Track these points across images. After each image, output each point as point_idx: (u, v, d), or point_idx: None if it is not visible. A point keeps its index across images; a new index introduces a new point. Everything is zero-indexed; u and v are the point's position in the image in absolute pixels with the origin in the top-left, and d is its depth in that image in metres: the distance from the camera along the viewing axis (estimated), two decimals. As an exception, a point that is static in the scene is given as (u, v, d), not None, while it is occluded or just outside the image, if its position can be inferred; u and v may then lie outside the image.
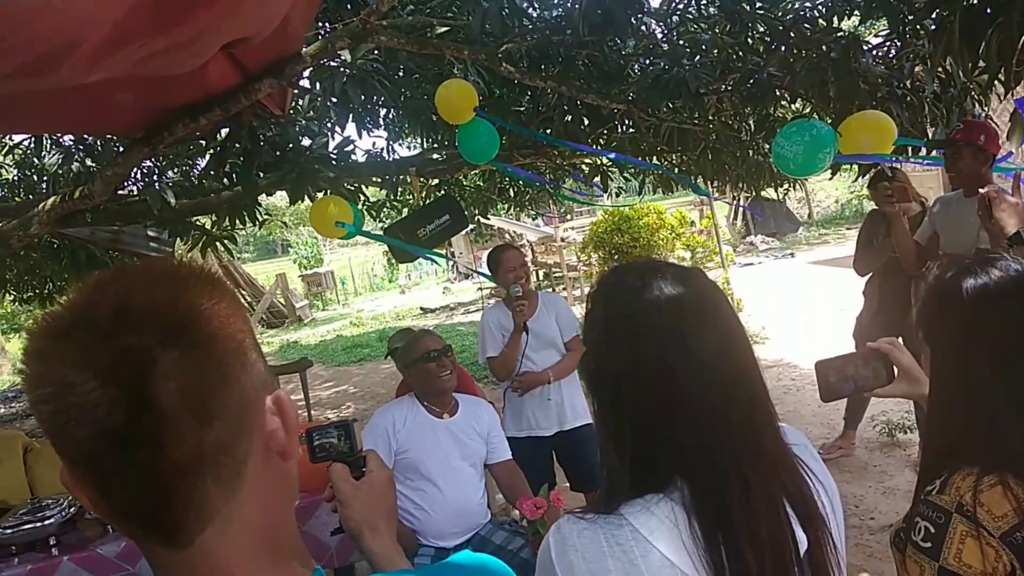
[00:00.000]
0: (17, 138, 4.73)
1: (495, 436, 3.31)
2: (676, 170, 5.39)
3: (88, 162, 4.20)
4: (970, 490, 1.12)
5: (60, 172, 4.22)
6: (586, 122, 4.45)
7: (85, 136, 4.18)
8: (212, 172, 4.16)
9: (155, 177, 4.53)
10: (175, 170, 5.00)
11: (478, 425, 3.26)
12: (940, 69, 3.41)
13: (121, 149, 3.72)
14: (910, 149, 3.72)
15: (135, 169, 4.41)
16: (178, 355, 0.61)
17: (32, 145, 4.59)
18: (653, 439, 0.95)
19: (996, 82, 2.55)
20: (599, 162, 5.84)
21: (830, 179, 3.54)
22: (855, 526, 4.06)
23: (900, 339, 1.48)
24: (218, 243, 4.96)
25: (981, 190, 2.61)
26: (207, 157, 4.47)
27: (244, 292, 19.23)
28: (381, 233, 4.93)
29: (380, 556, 1.04)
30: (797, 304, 10.88)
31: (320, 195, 4.42)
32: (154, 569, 0.68)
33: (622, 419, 0.98)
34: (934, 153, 3.72)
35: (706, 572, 0.88)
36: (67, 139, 4.37)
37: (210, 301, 0.66)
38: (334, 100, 3.94)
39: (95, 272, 0.68)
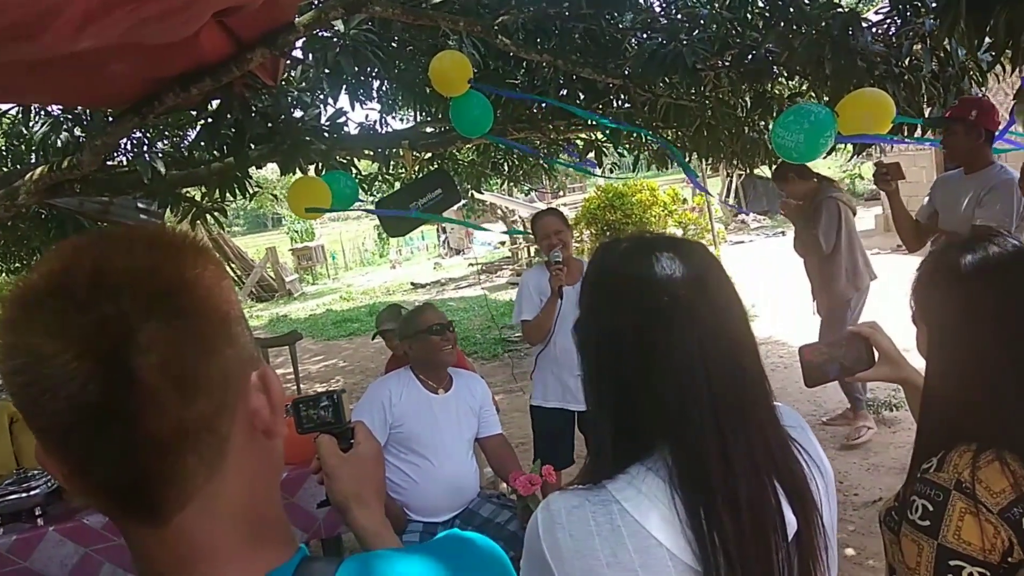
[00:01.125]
0: (4, 107, 4.65)
1: (487, 410, 3.32)
2: (673, 146, 5.35)
3: (77, 132, 4.13)
4: (968, 467, 1.13)
5: (48, 142, 4.15)
6: (582, 96, 4.41)
7: (75, 107, 4.12)
8: (203, 143, 4.09)
9: (145, 147, 4.46)
10: (165, 141, 4.93)
11: (472, 400, 3.27)
12: (939, 48, 3.39)
13: (110, 119, 3.67)
14: (906, 128, 3.71)
15: (124, 139, 4.35)
16: (159, 325, 0.58)
17: (20, 115, 4.51)
18: (634, 399, 0.94)
19: (1000, 62, 2.53)
20: (593, 137, 5.81)
21: (824, 158, 3.53)
22: (839, 502, 4.09)
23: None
24: (208, 215, 4.91)
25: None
26: (197, 128, 4.41)
27: (234, 265, 19.15)
28: (374, 207, 4.89)
29: (367, 530, 1.03)
30: (787, 282, 10.88)
31: (311, 168, 4.37)
32: (131, 547, 0.65)
33: (605, 378, 0.98)
34: (930, 133, 3.72)
35: (690, 546, 0.88)
36: (55, 109, 4.30)
37: (194, 270, 0.62)
38: (327, 71, 3.89)
39: (72, 237, 0.64)
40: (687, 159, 5.87)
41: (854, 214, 4.84)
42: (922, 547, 1.14)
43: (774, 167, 5.08)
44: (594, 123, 4.83)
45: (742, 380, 0.95)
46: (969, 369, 1.20)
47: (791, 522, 0.93)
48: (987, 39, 2.42)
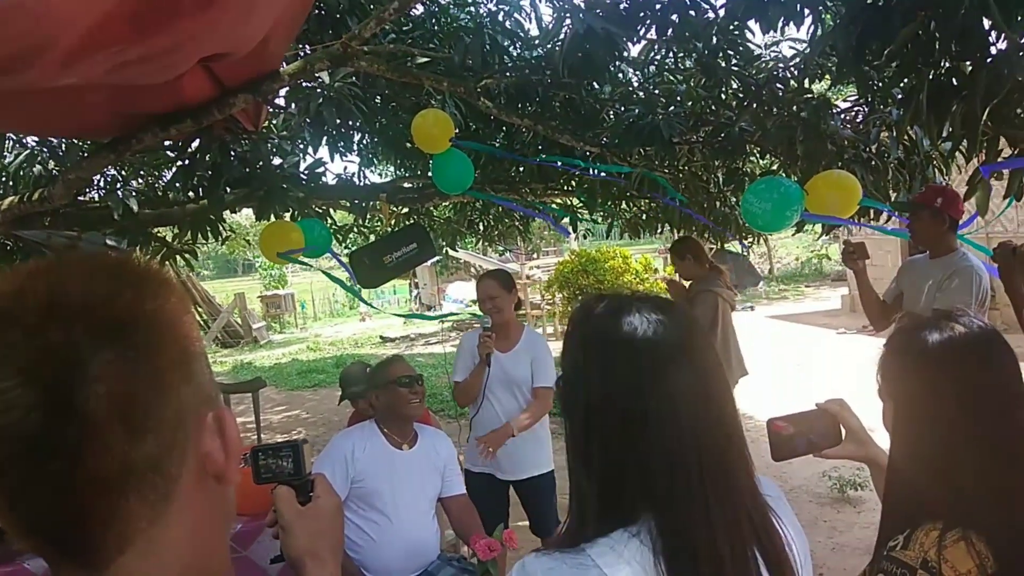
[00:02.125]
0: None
1: (451, 469, 3.26)
2: (644, 216, 5.45)
3: (51, 164, 4.10)
4: (934, 546, 1.12)
5: (21, 173, 4.11)
6: (559, 163, 4.49)
7: (50, 138, 4.10)
8: (179, 184, 4.08)
9: (119, 184, 4.44)
10: (140, 179, 4.92)
11: (436, 458, 3.21)
12: (905, 137, 3.51)
13: (86, 154, 3.65)
14: (872, 212, 3.82)
15: (98, 175, 4.33)
16: (111, 357, 0.55)
17: (-7, 144, 4.48)
18: (621, 466, 0.93)
19: (958, 151, 2.63)
20: (569, 203, 5.89)
21: (793, 235, 3.60)
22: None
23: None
24: (178, 256, 4.87)
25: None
26: (174, 168, 4.40)
27: (200, 309, 18.89)
28: (348, 258, 4.88)
29: None
30: (755, 357, 10.96)
31: (287, 215, 4.37)
32: None
33: (592, 443, 0.95)
34: (896, 221, 3.82)
35: None
36: (31, 140, 4.28)
37: (155, 301, 0.60)
38: (309, 121, 3.92)
39: (31, 260, 0.61)
40: (659, 230, 5.98)
41: (732, 309, 4.95)
42: None
43: (676, 240, 5.15)
44: (569, 189, 4.91)
45: (728, 449, 0.95)
46: (931, 448, 1.21)
47: None
48: (946, 131, 2.52)
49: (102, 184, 4.62)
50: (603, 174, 4.45)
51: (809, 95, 3.35)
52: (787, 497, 3.98)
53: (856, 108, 3.74)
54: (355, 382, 4.04)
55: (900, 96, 2.94)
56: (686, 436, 0.91)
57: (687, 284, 4.98)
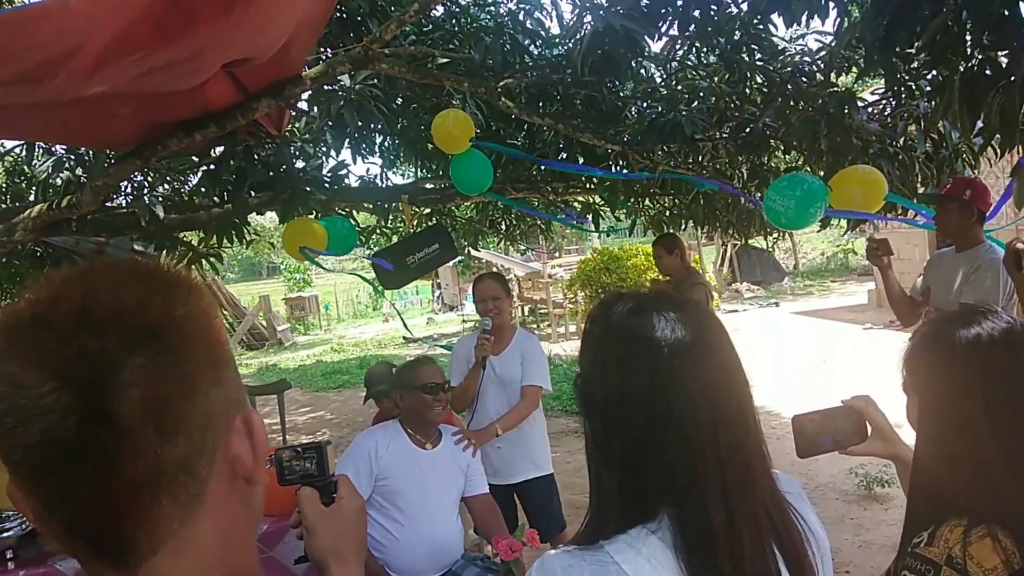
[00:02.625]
0: (8, 144, 4.69)
1: (474, 469, 3.26)
2: (668, 213, 5.43)
3: (78, 172, 4.16)
4: (959, 542, 1.11)
5: (50, 180, 4.18)
6: (581, 161, 4.48)
7: (78, 147, 4.16)
8: (203, 188, 4.13)
9: (145, 190, 4.49)
10: (166, 185, 4.97)
11: (460, 458, 3.21)
12: (932, 130, 3.46)
13: (112, 161, 3.70)
14: (899, 208, 3.76)
15: (125, 181, 4.38)
16: (143, 362, 0.56)
17: (23, 152, 4.55)
18: (641, 462, 0.93)
19: (991, 145, 2.58)
20: (591, 200, 5.87)
21: (818, 231, 3.59)
22: (831, 579, 4.02)
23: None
24: (203, 260, 4.91)
25: (1016, 243, 2.65)
26: (199, 173, 4.45)
27: (226, 312, 19.07)
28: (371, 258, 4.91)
29: None
30: (780, 353, 10.91)
31: (311, 218, 4.40)
32: None
33: (611, 439, 0.96)
34: (921, 218, 3.77)
35: None
36: (59, 148, 4.34)
37: (184, 307, 0.61)
38: (331, 124, 3.95)
39: (63, 267, 0.63)
40: (683, 227, 5.95)
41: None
42: None
43: (665, 235, 5.22)
44: (592, 187, 4.90)
45: (746, 443, 0.94)
46: (958, 443, 1.19)
47: None
48: (979, 123, 2.47)
49: (129, 190, 4.67)
50: (624, 171, 4.44)
51: (834, 88, 3.31)
52: (813, 495, 3.96)
53: (883, 101, 3.69)
54: (380, 381, 4.06)
55: (930, 89, 2.90)
56: (705, 433, 0.91)
57: (665, 279, 5.04)
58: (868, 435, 1.44)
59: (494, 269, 18.29)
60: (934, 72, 2.67)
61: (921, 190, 3.72)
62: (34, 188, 4.44)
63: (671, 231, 5.62)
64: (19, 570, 2.95)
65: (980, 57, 2.39)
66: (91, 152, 4.18)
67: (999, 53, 2.36)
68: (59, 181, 4.11)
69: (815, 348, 11.10)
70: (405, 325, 5.44)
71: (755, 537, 0.90)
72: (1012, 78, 2.20)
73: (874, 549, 4.37)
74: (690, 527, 0.89)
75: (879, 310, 13.45)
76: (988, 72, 2.31)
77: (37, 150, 4.33)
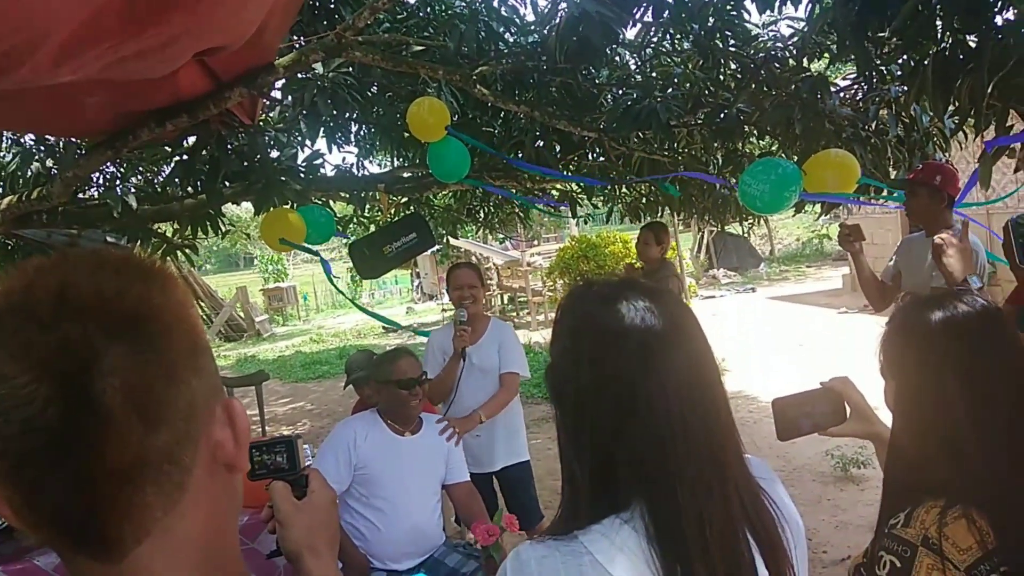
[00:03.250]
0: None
1: (455, 457, 3.27)
2: (644, 200, 5.45)
3: (48, 163, 4.10)
4: (935, 523, 1.13)
5: (19, 172, 4.11)
6: (557, 148, 4.48)
7: (47, 136, 4.09)
8: (177, 179, 4.08)
9: (117, 181, 4.44)
10: (138, 176, 4.91)
11: (439, 446, 3.22)
12: (904, 114, 3.50)
13: (83, 151, 3.65)
14: (872, 189, 3.80)
15: (97, 172, 4.32)
16: (124, 350, 0.56)
17: (-9, 143, 4.48)
18: (612, 452, 0.93)
19: (963, 127, 2.62)
20: (568, 188, 5.88)
21: (793, 216, 3.63)
22: (808, 559, 4.08)
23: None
24: (178, 252, 4.87)
25: (935, 238, 2.68)
26: (172, 164, 4.40)
27: (203, 304, 18.91)
28: (348, 248, 4.89)
29: None
30: (757, 338, 11.02)
31: (286, 208, 4.37)
32: None
33: (583, 430, 0.95)
34: (895, 196, 3.81)
35: None
36: (28, 138, 4.27)
37: (161, 296, 0.61)
38: (305, 112, 3.91)
39: (37, 257, 0.62)
40: (659, 213, 5.98)
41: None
42: None
43: (656, 223, 5.30)
44: (569, 174, 4.90)
45: (718, 433, 0.94)
46: (934, 425, 1.21)
47: (763, 574, 0.92)
48: (951, 106, 2.50)
49: (101, 181, 4.61)
50: (601, 158, 4.45)
51: (807, 74, 3.33)
52: (790, 477, 4.01)
53: (855, 86, 3.73)
54: (359, 368, 4.08)
55: (901, 73, 2.93)
56: (677, 421, 0.91)
57: (639, 266, 5.10)
58: (847, 416, 1.46)
59: (472, 258, 18.28)
60: (905, 57, 2.70)
61: (893, 173, 3.76)
62: (2, 180, 4.36)
63: (661, 221, 5.65)
64: (-4, 566, 2.92)
65: (951, 41, 2.42)
66: (61, 143, 4.12)
67: (968, 37, 2.38)
68: (29, 173, 4.04)
69: (791, 332, 11.23)
70: (384, 319, 5.38)
71: (727, 525, 0.90)
72: (980, 61, 2.23)
73: (850, 529, 4.44)
74: (661, 516, 0.89)
75: (854, 294, 13.61)
76: (960, 55, 2.34)
77: (5, 141, 4.25)
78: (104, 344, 0.55)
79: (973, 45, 2.39)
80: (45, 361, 0.54)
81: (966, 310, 1.23)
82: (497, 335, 3.79)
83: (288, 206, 4.38)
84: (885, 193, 3.79)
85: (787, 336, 10.95)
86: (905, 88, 3.34)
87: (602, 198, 5.91)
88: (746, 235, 19.70)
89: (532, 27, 4.31)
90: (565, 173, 4.25)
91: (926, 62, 2.38)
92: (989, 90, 2.34)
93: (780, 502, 1.00)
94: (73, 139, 3.91)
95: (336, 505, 1.10)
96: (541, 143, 4.33)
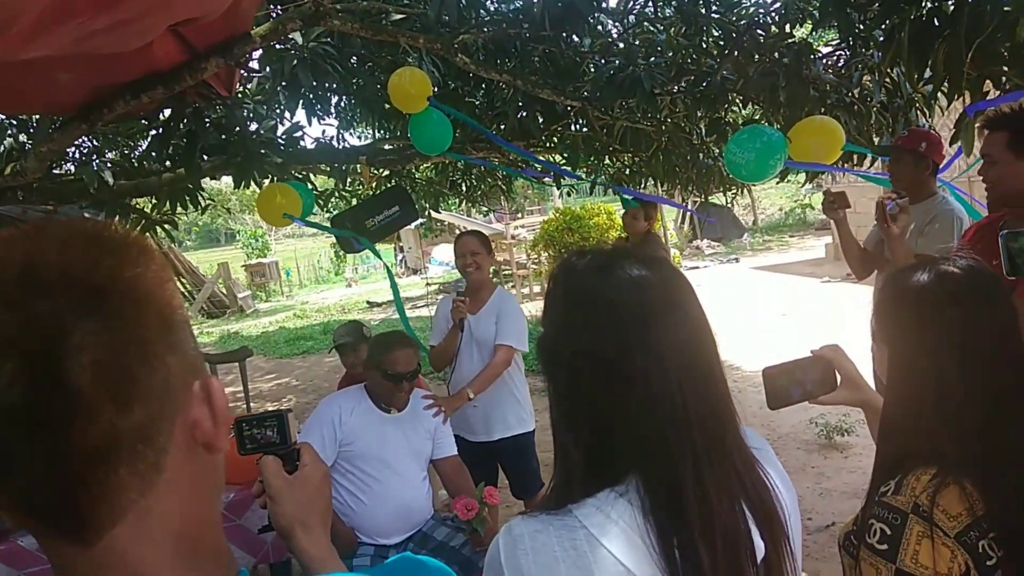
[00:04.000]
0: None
1: (441, 431, 3.26)
2: (628, 171, 5.43)
3: (22, 138, 4.01)
4: (925, 490, 1.12)
5: (-9, 147, 4.03)
6: (540, 119, 4.44)
7: (20, 113, 4.01)
8: (154, 153, 4.01)
9: (94, 157, 4.36)
10: (114, 151, 4.83)
11: (426, 421, 3.22)
12: (887, 80, 3.49)
13: (57, 125, 3.57)
14: (855, 157, 3.80)
15: (72, 147, 4.24)
16: (95, 326, 0.54)
17: (-39, 119, 4.38)
18: (609, 425, 0.91)
19: (940, 93, 2.61)
20: (552, 159, 5.84)
21: (777, 184, 3.61)
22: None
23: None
24: (158, 228, 4.80)
25: (879, 197, 2.70)
26: (148, 138, 4.33)
27: (184, 280, 18.77)
28: (329, 223, 4.85)
29: (312, 556, 0.98)
30: (741, 308, 11.08)
31: (266, 181, 4.31)
32: (55, 569, 0.60)
33: (577, 402, 0.93)
34: (880, 164, 3.81)
35: (661, 574, 0.85)
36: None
37: (135, 269, 0.58)
38: (284, 83, 3.85)
39: (2, 229, 0.59)
40: (643, 184, 5.96)
41: None
42: (880, 571, 1.13)
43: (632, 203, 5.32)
44: (552, 145, 4.87)
45: (715, 403, 0.93)
46: (927, 392, 1.20)
47: (760, 546, 0.91)
48: (928, 71, 2.49)
49: (77, 156, 4.53)
50: (585, 129, 4.42)
51: (791, 40, 3.31)
52: (775, 445, 4.04)
53: (838, 52, 3.71)
54: (346, 335, 4.10)
55: (882, 38, 2.91)
56: (674, 392, 0.89)
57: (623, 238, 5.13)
58: (838, 384, 1.45)
59: (456, 232, 18.22)
60: (887, 22, 2.68)
61: (877, 140, 3.76)
62: (-25, 156, 4.27)
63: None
64: (-21, 547, 2.90)
65: (928, 6, 2.40)
66: (34, 117, 4.04)
67: (946, 3, 2.37)
68: (2, 148, 3.96)
69: (774, 302, 11.30)
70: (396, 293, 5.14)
71: (725, 497, 0.89)
72: (956, 27, 2.21)
73: (834, 496, 4.50)
74: (659, 489, 0.88)
75: (836, 263, 13.70)
76: (936, 21, 2.33)
77: (-24, 117, 4.16)
78: (73, 321, 0.53)
79: (950, 10, 2.37)
80: (10, 339, 0.52)
81: (961, 275, 1.22)
82: (497, 305, 3.74)
83: (268, 180, 4.33)
84: (869, 160, 3.79)
85: (770, 306, 11.01)
86: (880, 54, 3.34)
87: (585, 168, 5.87)
88: (729, 205, 19.74)
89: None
90: (541, 158, 4.21)
91: (904, 27, 2.35)
92: (968, 57, 2.33)
93: (774, 472, 0.99)
94: (47, 115, 3.84)
95: (328, 480, 1.09)
96: (524, 114, 4.28)
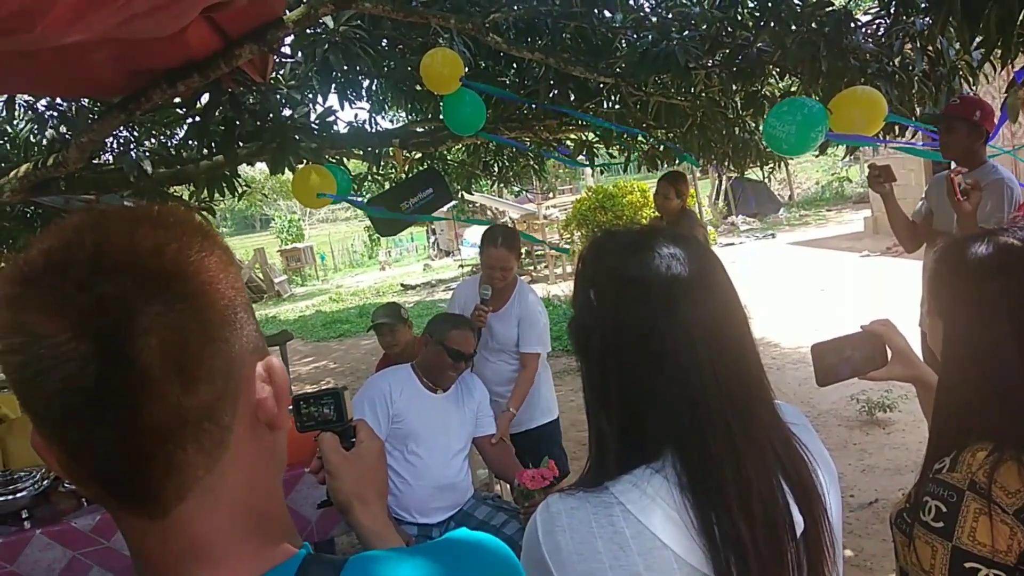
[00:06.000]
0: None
1: (484, 410, 3.29)
2: (662, 147, 5.37)
3: (62, 129, 4.08)
4: (982, 467, 1.10)
5: (33, 139, 4.11)
6: (573, 96, 4.39)
7: (58, 100, 4.08)
8: (192, 141, 4.06)
9: (132, 146, 4.42)
10: (152, 139, 4.89)
11: (470, 400, 3.24)
12: (929, 48, 3.38)
13: (96, 116, 3.63)
14: (897, 128, 3.71)
15: (111, 137, 4.31)
16: (162, 308, 0.56)
17: (3, 112, 4.47)
18: (642, 403, 0.91)
19: (988, 61, 2.53)
20: (584, 137, 5.79)
21: (816, 156, 3.54)
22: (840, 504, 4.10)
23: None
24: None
25: (948, 173, 2.64)
26: (185, 126, 4.37)
27: (223, 266, 19.03)
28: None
29: (370, 530, 1.00)
30: (778, 284, 10.95)
31: (300, 167, 4.34)
32: (128, 541, 0.63)
33: (609, 381, 0.94)
34: (921, 136, 3.71)
35: (700, 550, 0.85)
36: (40, 105, 4.26)
37: (199, 253, 0.60)
38: (316, 68, 3.86)
39: (72, 216, 0.62)
40: (677, 161, 5.89)
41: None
42: (936, 549, 1.10)
43: (677, 173, 5.25)
44: (585, 123, 4.83)
45: (747, 379, 0.93)
46: (983, 366, 1.16)
47: (798, 521, 0.90)
48: (979, 36, 2.41)
49: (115, 146, 4.60)
50: (618, 105, 4.36)
51: (830, 8, 3.22)
52: (816, 422, 4.00)
53: (877, 20, 3.60)
54: (384, 316, 4.14)
55: (926, 4, 2.82)
56: (705, 370, 0.89)
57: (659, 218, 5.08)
58: (888, 360, 1.42)
59: (488, 213, 18.21)
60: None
61: (919, 110, 3.66)
62: (17, 148, 4.36)
63: (678, 170, 5.59)
64: (35, 529, 2.99)
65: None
66: (74, 108, 4.10)
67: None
68: (43, 140, 4.03)
69: (813, 278, 11.14)
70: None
71: (762, 471, 0.89)
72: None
73: (877, 473, 4.45)
74: (695, 464, 0.88)
75: (875, 237, 13.46)
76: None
77: (18, 108, 4.24)
78: (141, 302, 0.55)
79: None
80: (82, 320, 0.54)
81: (1017, 245, 1.18)
82: (519, 308, 3.65)
83: (303, 165, 4.35)
84: (910, 132, 3.69)
85: (809, 281, 10.86)
86: (930, 20, 3.23)
87: (619, 146, 5.82)
88: (765, 180, 19.47)
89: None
90: (587, 115, 4.13)
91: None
92: (1020, 19, 2.25)
93: (812, 448, 0.98)
94: (84, 101, 3.89)
95: (383, 456, 1.11)
96: (556, 92, 4.24)
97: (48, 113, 4.03)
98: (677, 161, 6.09)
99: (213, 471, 0.61)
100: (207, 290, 0.59)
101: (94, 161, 4.25)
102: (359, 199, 4.29)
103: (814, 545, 0.92)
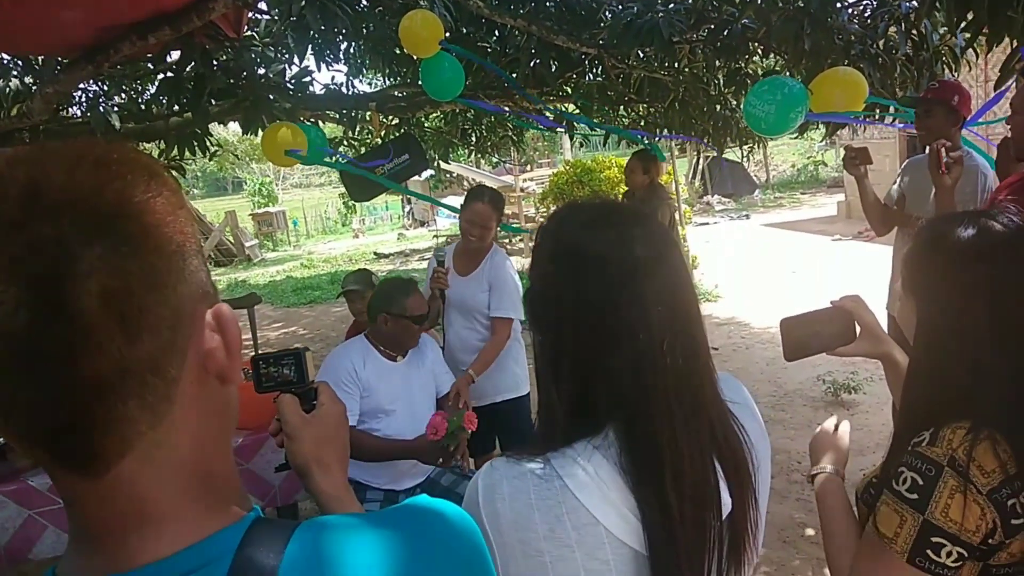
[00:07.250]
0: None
1: (440, 369, 3.27)
2: (643, 122, 5.34)
3: (27, 80, 3.95)
4: (963, 444, 1.10)
5: (-4, 89, 3.98)
6: (554, 66, 4.34)
7: (24, 54, 3.95)
8: (162, 97, 3.95)
9: (101, 100, 4.30)
10: (122, 94, 4.76)
11: (424, 360, 3.22)
12: (914, 31, 3.38)
13: (62, 67, 3.51)
14: (877, 109, 3.71)
15: (80, 91, 4.19)
16: (102, 251, 0.51)
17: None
18: (592, 377, 0.92)
19: (972, 47, 2.52)
20: (565, 108, 5.75)
21: (794, 138, 3.53)
22: (797, 482, 4.15)
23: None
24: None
25: (939, 145, 2.65)
26: (156, 82, 4.26)
27: (193, 228, 18.75)
28: (338, 171, 4.79)
29: (328, 495, 0.97)
30: (750, 264, 11.04)
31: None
32: (65, 501, 0.58)
33: (563, 354, 0.95)
34: (898, 122, 3.72)
35: (631, 527, 0.88)
36: (4, 55, 4.12)
37: (146, 194, 0.55)
38: (292, 26, 3.76)
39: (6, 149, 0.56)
40: (657, 137, 5.87)
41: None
42: (905, 519, 1.11)
43: (645, 152, 5.22)
44: (565, 93, 4.78)
45: (695, 360, 0.94)
46: (957, 347, 1.17)
47: (726, 502, 0.93)
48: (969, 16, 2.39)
49: (84, 100, 4.48)
50: (600, 78, 4.33)
51: (816, -14, 3.20)
52: (782, 401, 4.02)
53: (864, 2, 3.59)
54: (355, 283, 4.09)
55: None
56: (655, 347, 0.91)
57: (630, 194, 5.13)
58: (857, 336, 1.42)
59: (464, 184, 18.10)
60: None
61: (900, 93, 3.67)
62: (-20, 97, 4.22)
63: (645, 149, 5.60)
64: (-9, 487, 2.93)
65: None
66: (40, 59, 3.98)
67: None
68: (7, 90, 3.91)
69: (784, 259, 11.24)
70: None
71: (697, 452, 0.91)
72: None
73: (840, 451, 4.51)
74: (635, 443, 0.90)
75: (848, 221, 13.61)
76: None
77: (-20, 57, 4.10)
78: (80, 245, 0.50)
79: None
80: (14, 263, 0.49)
81: (998, 229, 1.18)
82: (490, 272, 3.54)
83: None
84: (892, 111, 3.69)
85: (781, 263, 10.96)
86: (916, 3, 3.23)
87: (599, 119, 5.78)
88: (743, 160, 19.56)
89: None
90: (554, 107, 4.10)
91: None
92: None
93: (749, 427, 1.01)
94: (50, 56, 3.77)
95: (346, 420, 1.07)
96: (538, 61, 4.19)
97: (11, 62, 3.90)
98: (658, 136, 6.07)
99: (157, 427, 0.56)
100: (153, 233, 0.55)
101: (61, 114, 4.13)
102: (331, 154, 4.12)
103: (739, 524, 0.95)
